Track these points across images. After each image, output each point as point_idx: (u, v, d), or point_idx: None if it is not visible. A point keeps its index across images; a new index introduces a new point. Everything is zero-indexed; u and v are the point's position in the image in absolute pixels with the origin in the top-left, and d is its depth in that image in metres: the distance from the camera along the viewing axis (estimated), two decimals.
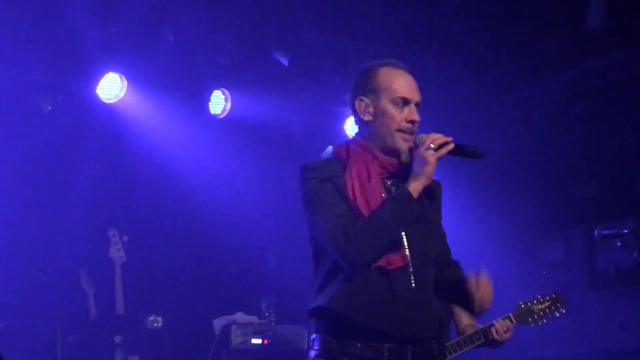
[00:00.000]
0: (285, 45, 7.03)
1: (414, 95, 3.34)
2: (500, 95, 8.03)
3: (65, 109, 6.82)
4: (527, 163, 8.08)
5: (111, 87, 6.75)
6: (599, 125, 7.63)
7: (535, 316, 4.56)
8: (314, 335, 3.29)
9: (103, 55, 6.55)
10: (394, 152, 3.33)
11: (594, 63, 7.39)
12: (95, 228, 6.91)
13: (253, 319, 6.87)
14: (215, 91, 7.19)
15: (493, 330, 4.37)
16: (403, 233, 3.24)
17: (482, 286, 3.30)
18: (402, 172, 3.32)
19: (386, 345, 3.19)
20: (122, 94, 6.79)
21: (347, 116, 7.60)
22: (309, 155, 7.61)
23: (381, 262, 3.20)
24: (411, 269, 3.23)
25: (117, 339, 6.56)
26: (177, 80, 6.97)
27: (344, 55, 7.11)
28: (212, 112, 7.23)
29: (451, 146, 3.25)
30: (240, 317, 6.82)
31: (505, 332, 4.40)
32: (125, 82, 6.77)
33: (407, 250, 3.24)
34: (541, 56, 7.26)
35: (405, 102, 3.32)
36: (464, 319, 4.40)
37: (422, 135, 3.28)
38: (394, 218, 3.19)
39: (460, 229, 7.69)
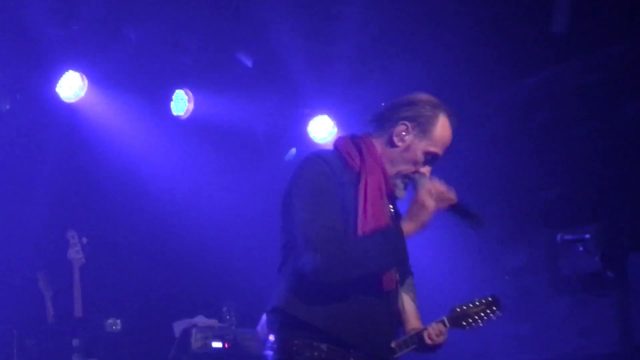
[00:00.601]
0: (249, 46, 7.00)
1: (442, 152, 3.41)
2: (462, 102, 8.03)
3: (24, 107, 6.74)
4: (491, 169, 8.09)
5: (71, 87, 6.66)
6: (561, 131, 7.66)
7: (470, 320, 4.36)
8: (273, 335, 3.21)
9: (63, 54, 6.48)
10: (392, 181, 3.33)
11: (557, 69, 7.42)
12: (54, 229, 6.82)
13: (214, 322, 6.83)
14: (177, 92, 7.13)
15: (425, 334, 4.13)
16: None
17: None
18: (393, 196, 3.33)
19: (352, 351, 3.17)
20: (82, 94, 6.70)
21: (312, 118, 7.58)
22: (272, 157, 7.58)
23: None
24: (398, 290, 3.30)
25: (75, 342, 6.48)
26: (139, 80, 6.92)
27: (309, 57, 7.09)
28: (174, 112, 7.17)
29: (453, 203, 3.29)
30: (200, 320, 6.78)
31: (438, 336, 4.18)
32: (86, 82, 6.69)
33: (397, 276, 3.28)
34: (504, 62, 7.28)
35: (435, 158, 3.37)
36: (412, 320, 4.31)
37: (425, 179, 3.29)
38: (378, 255, 3.14)
39: (424, 234, 7.69)
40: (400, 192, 3.33)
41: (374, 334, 3.20)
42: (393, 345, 3.66)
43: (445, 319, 4.27)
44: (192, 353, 6.61)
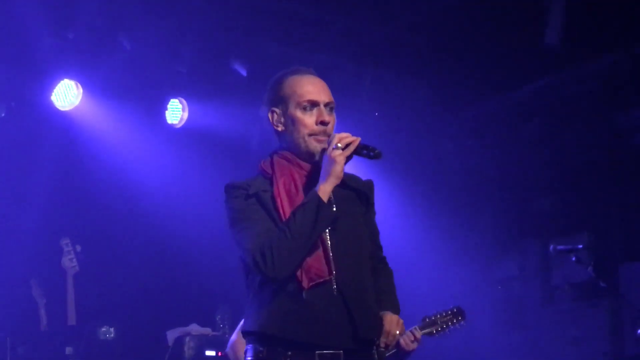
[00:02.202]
0: (244, 55, 7.01)
1: (322, 97, 3.32)
2: (457, 111, 8.06)
3: (19, 115, 6.72)
4: (483, 178, 8.11)
5: (66, 95, 6.67)
6: (554, 141, 7.69)
7: (439, 328, 5.00)
8: (248, 346, 3.26)
9: (58, 62, 6.48)
10: (311, 157, 3.31)
11: (550, 79, 7.45)
12: (48, 237, 6.81)
13: (207, 330, 6.82)
14: (172, 100, 7.14)
15: (402, 340, 4.62)
16: (328, 241, 3.21)
17: (390, 330, 3.28)
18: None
19: (317, 352, 3.15)
20: (77, 102, 6.71)
21: None
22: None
23: (307, 275, 3.16)
24: (341, 278, 3.19)
25: (69, 350, 6.47)
26: (133, 89, 6.91)
27: (302, 66, 7.08)
28: (169, 121, 7.18)
29: (356, 144, 3.23)
30: (194, 328, 6.76)
31: (412, 342, 4.72)
32: (81, 90, 6.70)
33: (330, 255, 3.20)
34: (498, 72, 7.30)
35: (313, 104, 3.31)
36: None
37: (333, 135, 3.27)
38: (306, 225, 3.14)
39: (416, 243, 7.71)
40: (318, 157, 3.30)
41: (326, 329, 3.16)
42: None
43: (417, 327, 4.88)
44: None
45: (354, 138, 3.25)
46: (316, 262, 3.18)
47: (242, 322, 4.83)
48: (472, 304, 6.82)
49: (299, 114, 3.30)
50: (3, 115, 6.66)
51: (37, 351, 6.54)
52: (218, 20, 6.71)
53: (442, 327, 5.03)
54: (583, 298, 7.17)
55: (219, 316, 7.10)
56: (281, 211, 3.21)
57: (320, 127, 3.30)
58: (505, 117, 7.91)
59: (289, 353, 3.15)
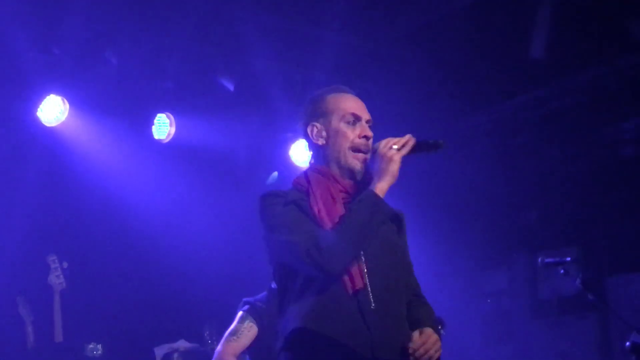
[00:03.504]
0: (231, 70, 7.01)
1: (364, 113, 3.39)
2: (444, 124, 8.07)
3: (4, 131, 6.69)
4: (471, 191, 8.12)
5: (53, 110, 6.64)
6: (541, 154, 7.71)
7: None
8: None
9: (44, 78, 6.44)
10: (351, 174, 3.34)
11: (537, 93, 7.48)
12: (35, 253, 6.77)
13: (195, 346, 6.78)
14: (159, 115, 7.12)
15: None
16: (362, 254, 3.20)
17: (422, 345, 3.21)
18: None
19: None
20: (63, 117, 6.67)
21: (293, 142, 7.59)
22: (254, 181, 7.58)
23: (345, 282, 3.16)
24: (370, 290, 3.18)
25: None
26: (120, 104, 6.89)
27: (290, 81, 7.10)
28: (156, 136, 7.15)
29: (413, 142, 3.27)
30: (182, 344, 6.73)
31: None
32: (67, 106, 6.66)
33: (365, 269, 3.19)
34: (485, 86, 7.33)
35: (357, 118, 3.36)
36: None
37: (381, 141, 3.29)
38: (362, 221, 3.16)
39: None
40: (360, 176, 3.34)
41: (352, 345, 3.14)
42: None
43: None
44: None
45: (407, 138, 3.29)
46: (354, 269, 3.18)
47: (227, 333, 4.83)
48: (460, 317, 6.84)
49: (342, 126, 3.35)
50: None
51: None
52: (205, 35, 6.71)
53: None
54: (571, 311, 7.18)
55: (207, 332, 7.06)
56: (320, 221, 3.20)
57: (362, 140, 3.34)
58: (493, 131, 7.92)
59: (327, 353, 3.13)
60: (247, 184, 7.65)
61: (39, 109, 6.58)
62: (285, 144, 7.62)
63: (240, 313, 4.84)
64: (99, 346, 6.95)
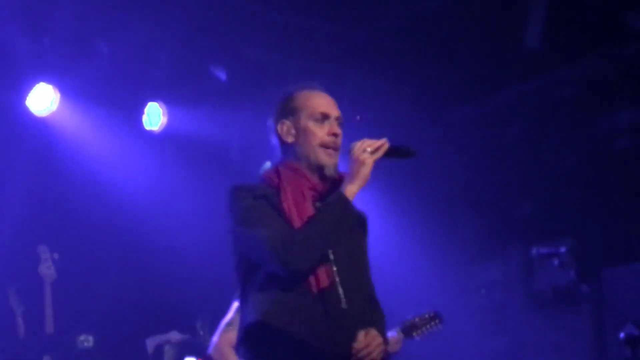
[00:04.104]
0: (223, 60, 6.97)
1: (333, 111, 3.40)
2: (437, 116, 8.05)
3: None
4: (464, 183, 8.11)
5: (43, 100, 6.59)
6: (535, 145, 7.70)
7: (419, 331, 5.31)
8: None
9: (34, 67, 6.41)
10: (320, 170, 3.35)
11: (530, 83, 7.45)
12: (25, 245, 6.73)
13: (187, 338, 6.77)
14: (151, 105, 7.08)
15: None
16: (331, 252, 3.22)
17: (365, 346, 3.20)
18: (331, 193, 3.31)
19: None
20: (54, 107, 6.63)
21: None
22: (247, 171, 7.54)
23: (310, 281, 3.17)
24: (340, 288, 3.20)
25: (46, 359, 6.39)
26: (112, 94, 6.86)
27: (282, 70, 7.07)
28: (147, 126, 7.12)
29: (387, 147, 3.29)
30: (174, 336, 6.71)
31: (395, 344, 5.09)
32: (58, 95, 6.62)
33: (334, 268, 3.21)
34: (477, 76, 7.30)
35: (325, 116, 3.37)
36: None
37: (355, 142, 3.30)
38: (331, 223, 3.19)
39: (399, 249, 7.69)
40: (329, 170, 3.35)
41: (340, 347, 3.15)
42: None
43: (398, 329, 5.21)
44: None
45: (382, 142, 3.30)
46: (319, 268, 3.19)
47: (223, 324, 4.82)
48: (455, 309, 6.82)
49: (310, 124, 3.36)
50: None
51: None
52: (197, 24, 6.67)
53: (421, 330, 5.32)
54: (566, 303, 7.18)
55: (200, 323, 7.05)
56: (289, 218, 3.22)
57: (331, 138, 3.36)
58: (486, 122, 7.90)
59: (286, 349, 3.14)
60: (240, 174, 7.60)
61: (29, 99, 6.54)
62: None
63: (235, 303, 4.83)
64: (90, 337, 6.93)
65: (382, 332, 3.32)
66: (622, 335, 5.45)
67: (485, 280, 7.91)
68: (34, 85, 6.52)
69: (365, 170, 3.25)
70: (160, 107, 7.12)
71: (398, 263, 7.52)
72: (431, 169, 8.14)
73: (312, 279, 3.17)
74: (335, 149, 3.36)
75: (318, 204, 3.29)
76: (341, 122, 3.41)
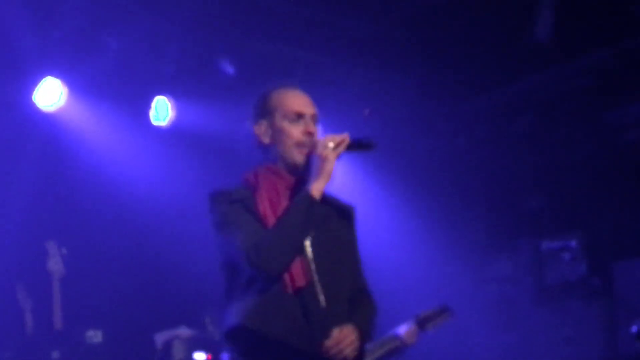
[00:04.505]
0: (231, 54, 6.95)
1: (307, 109, 3.41)
2: (447, 108, 8.03)
3: (0, 116, 6.64)
4: (474, 176, 8.08)
5: (50, 95, 6.58)
6: (545, 139, 7.67)
7: (431, 324, 5.43)
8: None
9: (42, 62, 6.41)
10: (297, 170, 3.36)
11: (540, 76, 7.43)
12: (33, 240, 6.72)
13: (196, 333, 6.76)
14: (158, 100, 7.07)
15: (404, 335, 5.24)
16: (310, 250, 3.24)
17: (337, 344, 3.19)
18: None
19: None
20: (61, 102, 6.62)
21: None
22: (255, 165, 7.52)
23: (286, 281, 3.19)
24: (319, 286, 3.22)
25: (55, 354, 6.39)
26: (119, 89, 6.86)
27: (290, 64, 7.05)
28: (155, 121, 7.11)
29: (347, 141, 3.30)
30: (183, 331, 6.71)
31: (412, 336, 5.29)
32: (66, 90, 6.62)
33: (312, 266, 3.23)
34: (487, 69, 7.29)
35: (299, 115, 3.39)
36: None
37: (318, 139, 3.34)
38: (297, 222, 3.19)
39: (409, 243, 7.67)
40: (301, 167, 3.37)
41: (291, 343, 3.17)
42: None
43: (413, 323, 5.36)
44: None
45: (343, 136, 3.31)
46: (295, 268, 3.21)
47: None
48: (464, 303, 6.80)
49: (285, 125, 3.38)
50: None
51: (23, 356, 6.47)
52: (205, 19, 6.65)
53: (434, 323, 5.45)
54: (576, 297, 7.15)
55: (208, 318, 7.04)
56: (264, 219, 3.25)
57: (306, 137, 3.37)
58: (496, 115, 7.89)
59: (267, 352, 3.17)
60: (248, 169, 7.58)
61: (36, 94, 6.53)
62: None
63: None
64: (99, 333, 6.92)
65: (365, 327, 3.33)
66: (633, 329, 5.43)
67: (495, 275, 7.88)
68: (41, 79, 6.51)
69: (329, 166, 3.25)
70: (168, 102, 7.11)
71: (408, 257, 7.51)
72: (440, 162, 8.12)
73: (287, 279, 3.19)
74: (310, 147, 3.36)
75: None
76: (317, 119, 3.43)
